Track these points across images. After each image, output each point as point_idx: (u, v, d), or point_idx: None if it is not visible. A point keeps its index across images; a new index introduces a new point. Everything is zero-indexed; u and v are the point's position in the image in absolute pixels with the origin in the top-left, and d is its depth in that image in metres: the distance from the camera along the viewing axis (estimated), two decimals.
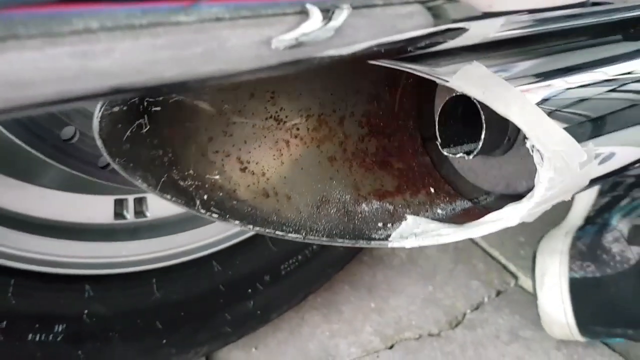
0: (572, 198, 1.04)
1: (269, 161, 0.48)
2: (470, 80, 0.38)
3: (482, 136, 0.46)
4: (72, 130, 0.59)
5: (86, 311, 0.65)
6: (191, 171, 0.44)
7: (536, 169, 0.49)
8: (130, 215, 0.71)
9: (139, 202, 0.72)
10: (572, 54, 0.48)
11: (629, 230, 0.85)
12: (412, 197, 0.53)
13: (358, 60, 0.34)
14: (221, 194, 0.45)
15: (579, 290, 0.87)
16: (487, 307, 1.02)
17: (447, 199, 0.54)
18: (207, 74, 0.27)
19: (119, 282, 0.68)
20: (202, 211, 0.44)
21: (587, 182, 0.49)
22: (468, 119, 0.49)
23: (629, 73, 0.49)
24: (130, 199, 0.71)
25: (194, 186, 0.44)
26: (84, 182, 0.64)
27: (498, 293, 1.05)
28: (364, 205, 0.50)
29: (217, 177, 0.45)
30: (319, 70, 0.48)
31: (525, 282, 1.07)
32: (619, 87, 0.48)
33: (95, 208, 0.68)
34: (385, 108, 0.54)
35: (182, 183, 0.43)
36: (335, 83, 0.49)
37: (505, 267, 1.10)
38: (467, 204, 0.53)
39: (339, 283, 1.01)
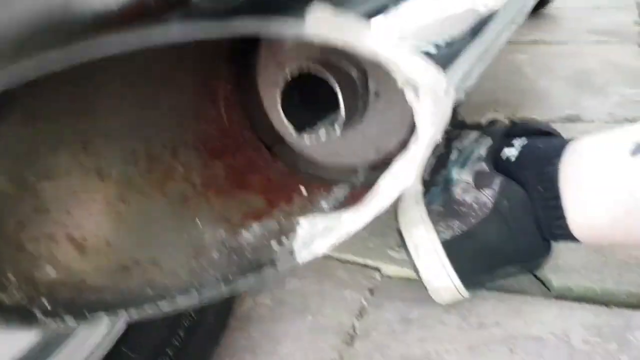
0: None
1: (110, 228, 0.36)
2: (326, 24, 0.31)
3: (340, 99, 0.40)
4: None
5: None
6: (11, 277, 0.30)
7: (399, 119, 0.45)
8: None
9: None
10: None
11: (473, 178, 0.86)
12: (288, 205, 0.45)
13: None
14: (66, 290, 0.32)
15: (453, 249, 0.86)
16: (369, 309, 0.97)
17: (323, 191, 0.47)
18: None
19: None
20: (50, 322, 0.30)
21: (450, 113, 0.46)
22: (309, 102, 0.43)
23: None
24: None
25: (25, 297, 0.30)
26: None
27: (371, 291, 1.00)
28: (244, 233, 0.41)
29: (52, 272, 0.32)
30: (131, 99, 0.38)
31: (388, 269, 1.05)
32: None
33: None
34: (216, 126, 0.45)
35: (6, 301, 0.29)
36: (153, 112, 0.39)
37: (365, 265, 1.06)
38: (346, 188, 0.47)
39: None
